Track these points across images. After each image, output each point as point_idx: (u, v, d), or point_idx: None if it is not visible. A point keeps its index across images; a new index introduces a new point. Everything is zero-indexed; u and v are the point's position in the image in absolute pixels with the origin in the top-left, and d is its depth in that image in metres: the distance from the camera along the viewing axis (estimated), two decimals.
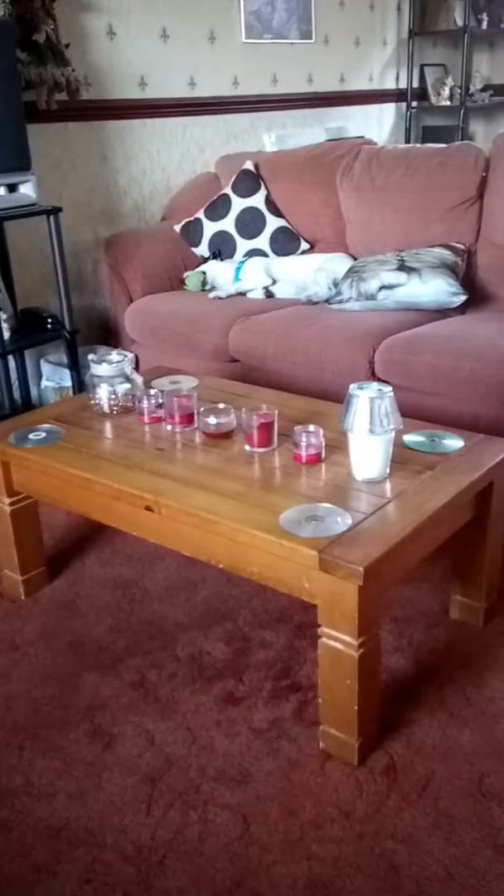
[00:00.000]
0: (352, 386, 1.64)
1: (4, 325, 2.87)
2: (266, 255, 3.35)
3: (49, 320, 3.04)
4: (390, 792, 1.53)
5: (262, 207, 3.37)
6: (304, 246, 3.36)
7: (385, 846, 1.42)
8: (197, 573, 2.23)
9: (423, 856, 1.40)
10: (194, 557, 1.74)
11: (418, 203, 3.05)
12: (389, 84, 4.97)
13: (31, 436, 2.01)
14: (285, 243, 3.36)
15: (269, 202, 3.39)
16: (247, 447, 1.86)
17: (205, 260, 3.42)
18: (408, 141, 5.11)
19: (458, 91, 5.01)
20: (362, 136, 4.39)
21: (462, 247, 2.96)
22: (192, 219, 3.46)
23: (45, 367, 3.35)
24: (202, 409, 1.97)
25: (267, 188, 3.41)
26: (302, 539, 1.48)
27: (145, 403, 2.03)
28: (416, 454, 1.79)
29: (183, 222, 3.48)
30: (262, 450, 1.84)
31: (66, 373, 3.16)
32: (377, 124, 4.97)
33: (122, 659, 1.92)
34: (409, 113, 5.09)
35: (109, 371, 2.09)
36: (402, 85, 5.04)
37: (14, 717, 1.76)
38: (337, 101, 4.61)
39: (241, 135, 4.12)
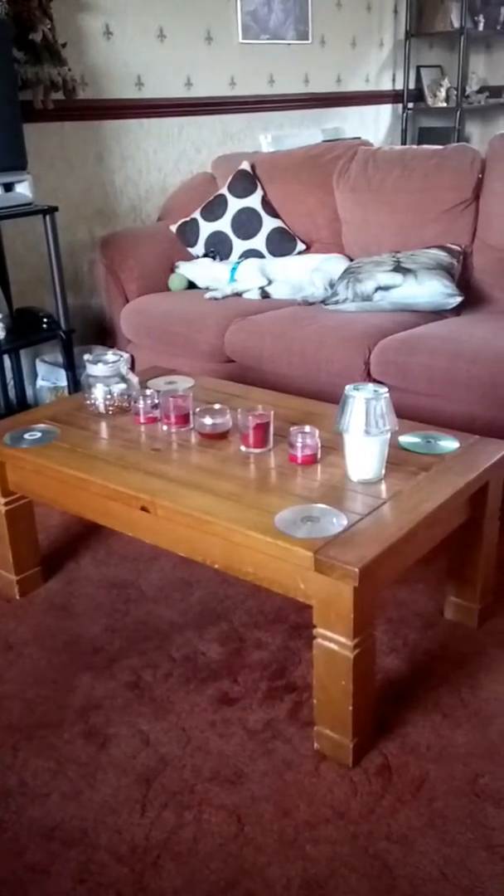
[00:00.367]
0: (348, 387, 1.64)
1: (0, 325, 2.87)
2: (262, 256, 3.35)
3: (45, 320, 3.03)
4: (385, 792, 1.53)
5: (259, 208, 3.37)
6: (301, 247, 3.37)
7: (379, 847, 1.42)
8: (192, 573, 2.23)
9: (417, 856, 1.40)
10: (189, 558, 1.74)
11: (414, 204, 3.05)
12: (386, 85, 4.98)
13: (26, 436, 2.01)
14: (281, 244, 3.36)
15: (266, 203, 3.39)
16: (242, 448, 1.86)
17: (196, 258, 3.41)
18: (404, 142, 5.12)
19: (455, 93, 5.02)
20: (359, 137, 4.39)
21: (458, 248, 2.96)
22: (188, 219, 3.46)
23: (41, 367, 3.35)
24: (198, 409, 1.97)
25: (263, 189, 3.41)
26: (297, 540, 1.48)
27: (141, 404, 2.03)
28: (411, 455, 1.79)
29: (179, 222, 3.48)
30: (257, 450, 1.84)
31: (62, 373, 3.16)
32: (373, 125, 4.97)
33: (117, 659, 1.92)
34: (405, 114, 5.10)
35: (105, 371, 2.09)
36: (399, 86, 5.04)
37: (8, 717, 1.75)
38: (333, 102, 4.62)
39: (237, 135, 4.12)
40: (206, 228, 3.41)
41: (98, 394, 2.10)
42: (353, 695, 1.52)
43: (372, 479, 1.68)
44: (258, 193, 3.39)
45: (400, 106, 5.09)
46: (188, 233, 3.44)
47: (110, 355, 2.11)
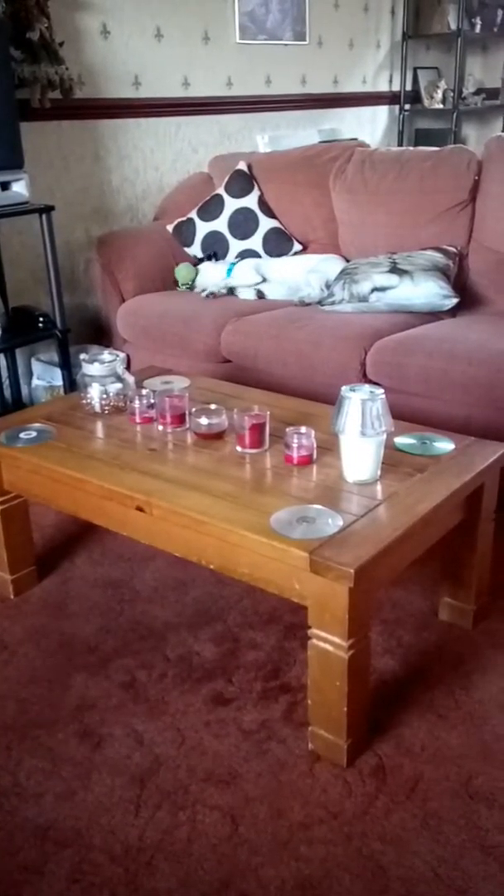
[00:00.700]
0: (343, 388, 1.64)
1: None
2: (259, 256, 3.35)
3: (41, 319, 3.03)
4: (379, 793, 1.53)
5: (255, 208, 3.37)
6: (297, 247, 3.37)
7: (373, 847, 1.42)
8: (187, 574, 2.23)
9: (410, 857, 1.40)
10: (185, 558, 1.74)
11: (411, 206, 3.05)
12: (383, 86, 4.99)
13: (21, 435, 2.00)
14: (278, 244, 3.36)
15: (262, 203, 3.39)
16: (238, 448, 1.86)
17: (199, 261, 3.41)
18: (400, 144, 5.12)
19: (451, 94, 5.03)
20: (355, 139, 4.40)
21: (454, 250, 2.96)
22: (184, 219, 3.46)
23: (37, 366, 3.35)
24: (194, 409, 1.97)
25: (260, 189, 3.41)
26: (293, 540, 1.48)
27: (137, 403, 2.03)
28: (407, 456, 1.79)
29: (176, 222, 3.48)
30: (253, 451, 1.84)
31: (58, 372, 3.16)
32: (370, 126, 4.98)
33: (112, 659, 1.92)
34: (402, 116, 5.10)
35: (101, 370, 2.09)
36: (396, 87, 5.05)
37: (2, 716, 1.75)
38: (330, 103, 4.62)
39: (234, 135, 4.12)
40: (202, 228, 3.41)
41: (94, 393, 2.09)
42: (348, 695, 1.52)
43: (367, 480, 1.69)
44: (255, 193, 3.39)
45: (397, 107, 5.09)
46: (185, 232, 3.44)
47: (106, 355, 2.11)
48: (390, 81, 5.02)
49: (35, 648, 1.97)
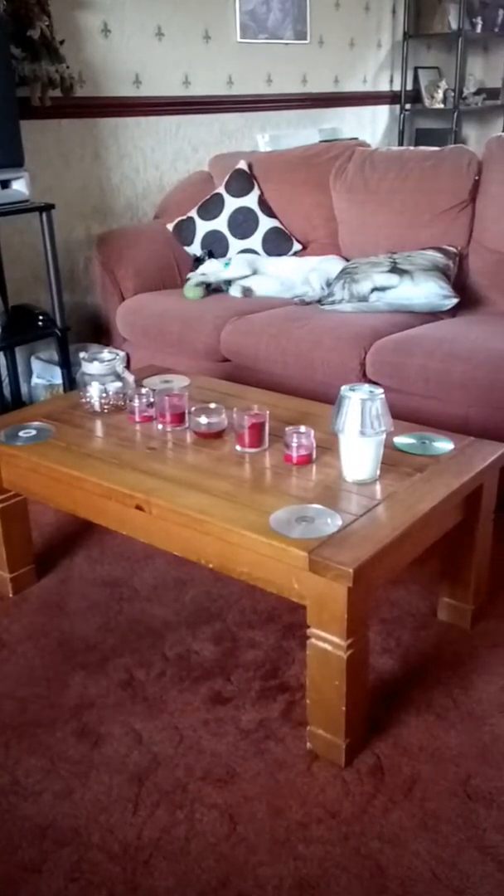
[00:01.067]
0: (343, 387, 1.64)
1: None
2: (258, 255, 3.35)
3: (40, 317, 3.03)
4: (377, 793, 1.53)
5: (255, 207, 3.37)
6: (297, 247, 3.37)
7: (371, 847, 1.43)
8: (186, 572, 2.23)
9: (408, 856, 1.40)
10: (184, 557, 1.74)
11: (411, 205, 3.05)
12: (383, 86, 4.98)
13: (21, 433, 2.00)
14: (278, 244, 3.36)
15: (262, 202, 3.39)
16: (238, 447, 1.86)
17: (198, 259, 3.40)
18: (401, 143, 5.12)
19: (452, 94, 5.03)
20: (356, 138, 4.40)
21: (454, 250, 2.97)
22: (184, 217, 3.46)
23: (36, 365, 3.34)
24: (193, 408, 1.97)
25: (260, 188, 3.41)
26: (292, 540, 1.48)
27: (136, 402, 2.03)
28: (406, 456, 1.79)
29: (175, 221, 3.47)
30: (252, 450, 1.84)
31: (57, 370, 3.16)
32: (371, 126, 4.98)
33: (110, 658, 1.92)
34: (402, 115, 5.10)
35: (100, 369, 2.09)
36: (396, 87, 5.05)
37: (1, 715, 1.75)
38: (331, 103, 4.62)
39: (234, 134, 4.12)
40: (202, 227, 3.41)
41: (93, 392, 2.09)
42: (346, 695, 1.52)
43: (367, 480, 1.69)
44: (255, 193, 3.39)
45: (397, 107, 5.09)
46: (185, 231, 3.44)
47: (106, 353, 2.11)
48: (391, 81, 5.02)
49: (34, 647, 1.97)
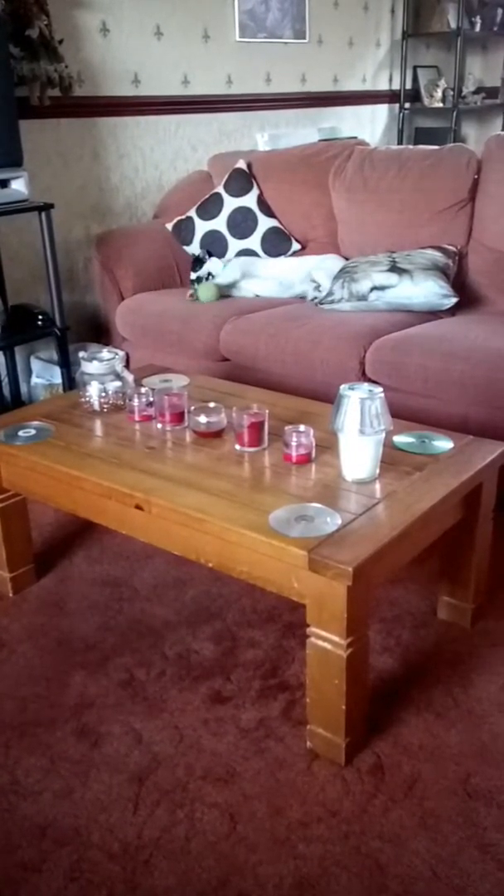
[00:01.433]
0: (342, 386, 1.64)
1: None
2: (257, 255, 3.34)
3: (40, 317, 3.03)
4: (377, 791, 1.53)
5: (255, 207, 3.37)
6: (296, 246, 3.36)
7: (371, 846, 1.43)
8: (186, 572, 2.23)
9: (409, 855, 1.41)
10: (183, 556, 1.74)
11: (410, 205, 3.05)
12: (382, 85, 4.98)
13: (20, 433, 2.00)
14: (277, 243, 3.36)
15: (262, 202, 3.39)
16: (237, 446, 1.86)
17: (198, 259, 3.37)
18: (400, 142, 5.12)
19: (451, 93, 5.03)
20: (355, 137, 4.40)
21: (453, 249, 2.96)
22: (183, 217, 3.46)
23: (36, 364, 3.34)
24: (193, 407, 1.97)
25: (259, 188, 3.41)
26: (291, 539, 1.48)
27: (136, 401, 2.03)
28: (405, 455, 1.79)
29: (175, 220, 3.47)
30: (252, 449, 1.84)
31: (57, 370, 3.16)
32: (370, 125, 4.98)
33: (110, 657, 1.92)
34: (401, 114, 5.10)
35: (100, 369, 2.09)
36: (395, 86, 5.05)
37: (1, 715, 1.75)
38: (330, 102, 4.62)
39: (233, 134, 4.12)
40: (201, 227, 3.41)
41: (93, 391, 2.09)
42: (346, 694, 1.52)
43: (366, 479, 1.69)
44: (254, 192, 3.39)
45: (396, 106, 5.09)
46: (184, 231, 3.44)
47: (105, 353, 2.11)
48: (390, 80, 5.02)
49: (33, 647, 1.97)
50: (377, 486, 1.67)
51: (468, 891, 1.34)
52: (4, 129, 2.73)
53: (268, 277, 3.21)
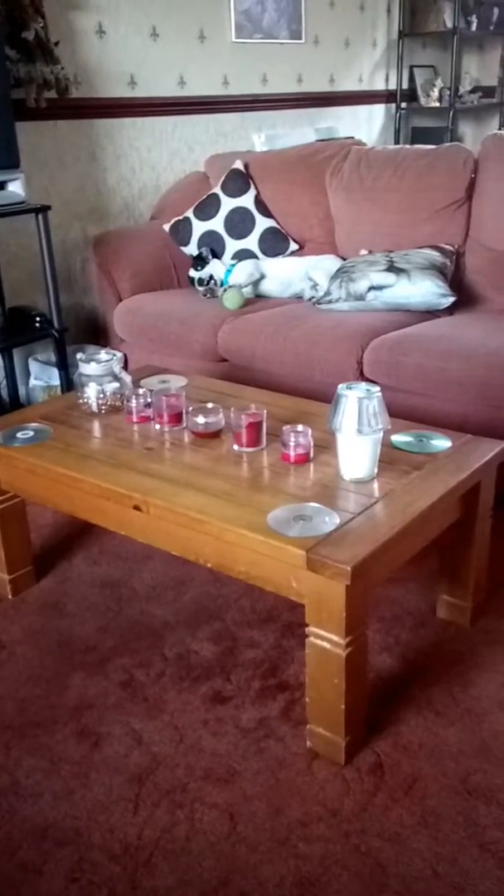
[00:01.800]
0: (340, 386, 1.65)
1: None
2: (255, 256, 3.35)
3: (37, 319, 3.03)
4: (377, 790, 1.53)
5: (252, 207, 3.37)
6: (294, 246, 3.37)
7: (372, 844, 1.43)
8: (185, 572, 2.23)
9: (409, 854, 1.41)
10: (182, 557, 1.74)
11: (407, 204, 3.06)
12: (379, 85, 4.99)
13: (18, 434, 2.00)
14: (274, 243, 3.36)
15: (259, 202, 3.39)
16: (235, 447, 1.86)
17: (200, 258, 3.34)
18: (397, 142, 5.13)
19: (448, 92, 5.03)
20: (352, 137, 4.40)
21: (451, 248, 2.97)
22: (181, 218, 3.46)
23: (34, 366, 3.34)
24: (191, 408, 1.97)
25: (256, 188, 3.41)
26: (290, 538, 1.48)
27: (134, 402, 2.03)
28: (403, 454, 1.80)
29: (172, 221, 3.47)
30: (250, 449, 1.85)
31: (55, 372, 3.16)
32: (367, 125, 4.98)
33: (110, 658, 1.92)
34: (398, 114, 5.10)
35: (98, 370, 2.09)
36: (392, 86, 5.05)
37: (1, 716, 1.75)
38: (327, 102, 4.62)
39: (230, 134, 4.12)
40: (198, 227, 3.41)
41: (91, 393, 2.09)
42: (346, 693, 1.52)
43: (364, 478, 1.69)
44: (251, 193, 3.39)
45: (393, 106, 5.10)
46: (181, 232, 3.44)
47: (103, 354, 2.11)
48: (386, 80, 5.02)
49: (33, 648, 1.97)
50: (375, 485, 1.67)
51: (468, 889, 1.34)
52: (1, 132, 2.73)
53: (273, 277, 3.21)
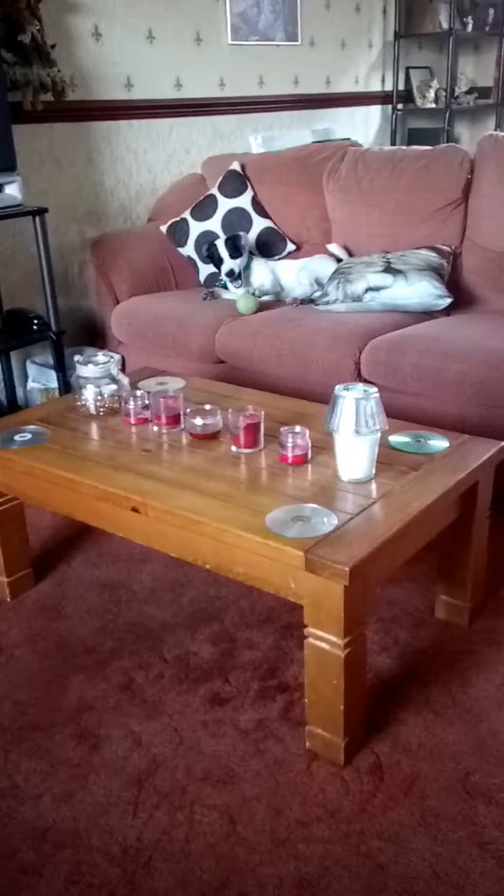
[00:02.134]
0: (337, 387, 1.65)
1: None
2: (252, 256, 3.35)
3: (35, 321, 3.03)
4: (376, 791, 1.53)
5: (249, 208, 3.37)
6: (291, 247, 3.37)
7: (371, 845, 1.43)
8: (183, 574, 2.23)
9: (408, 854, 1.41)
10: (181, 558, 1.74)
11: (404, 205, 3.06)
12: (375, 86, 4.99)
13: (16, 437, 2.00)
14: (272, 244, 3.36)
15: (256, 203, 3.40)
16: (233, 448, 1.86)
17: (214, 255, 3.23)
18: (393, 143, 5.13)
19: (444, 93, 5.03)
20: (348, 138, 4.40)
21: (447, 249, 2.97)
22: (178, 219, 3.46)
23: (31, 369, 3.34)
24: (188, 410, 1.97)
25: (253, 189, 3.41)
26: (288, 539, 1.48)
27: (131, 404, 2.03)
28: (401, 455, 1.80)
29: (169, 223, 3.48)
30: (248, 451, 1.85)
31: (53, 374, 3.16)
32: (363, 126, 4.99)
33: (109, 661, 1.92)
34: (394, 115, 5.11)
35: (96, 372, 2.09)
36: (388, 87, 5.06)
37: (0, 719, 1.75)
38: (323, 103, 4.63)
39: (227, 136, 4.12)
40: (195, 228, 3.41)
41: (88, 395, 2.09)
42: (345, 694, 1.52)
43: (362, 479, 1.69)
44: (248, 193, 3.40)
45: (389, 107, 5.10)
46: (178, 233, 3.44)
47: (101, 356, 2.11)
48: (383, 81, 5.03)
49: (32, 651, 1.96)
50: (373, 485, 1.67)
51: (468, 889, 1.34)
52: None
53: (285, 281, 3.20)
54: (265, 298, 3.11)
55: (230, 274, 3.13)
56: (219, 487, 1.69)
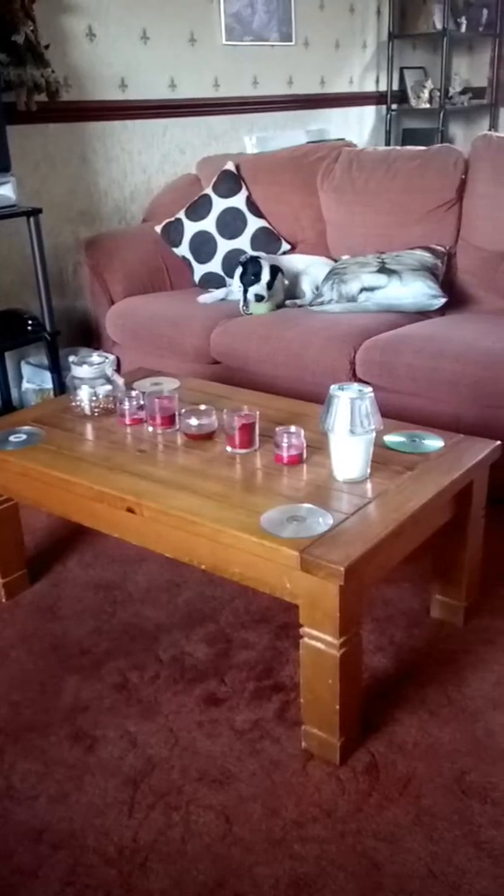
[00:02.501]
0: (332, 387, 1.65)
1: None
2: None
3: (29, 322, 3.03)
4: (372, 791, 1.54)
5: (243, 208, 3.38)
6: (285, 247, 3.37)
7: (367, 844, 1.43)
8: (179, 574, 2.23)
9: (404, 854, 1.41)
10: (176, 559, 1.74)
11: (398, 205, 3.06)
12: (369, 87, 5.00)
13: (11, 438, 2.00)
14: (267, 244, 3.36)
15: (250, 203, 3.40)
16: (228, 448, 1.86)
17: (251, 272, 3.03)
18: (388, 143, 5.13)
19: (438, 94, 5.04)
20: (343, 139, 4.41)
21: (442, 249, 2.97)
22: (172, 219, 3.46)
23: (26, 369, 3.34)
24: (183, 410, 1.97)
25: (248, 189, 3.41)
26: (283, 539, 1.48)
27: (126, 405, 2.03)
28: (396, 454, 1.80)
29: (163, 223, 3.48)
30: (243, 451, 1.85)
31: (47, 375, 3.15)
32: (357, 127, 4.99)
33: (104, 661, 1.91)
34: (388, 115, 5.12)
35: (90, 373, 2.09)
36: (382, 87, 5.06)
37: None
38: (317, 104, 4.63)
39: (222, 137, 4.12)
40: (190, 228, 3.41)
41: (83, 395, 2.09)
42: (340, 693, 1.52)
43: (357, 479, 1.69)
44: (243, 193, 3.40)
45: (384, 107, 5.11)
46: (172, 233, 3.44)
47: (95, 357, 2.11)
48: (377, 81, 5.03)
49: (27, 651, 1.96)
50: (368, 485, 1.67)
51: (464, 888, 1.35)
52: None
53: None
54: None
55: (258, 297, 2.98)
56: (214, 488, 1.69)
